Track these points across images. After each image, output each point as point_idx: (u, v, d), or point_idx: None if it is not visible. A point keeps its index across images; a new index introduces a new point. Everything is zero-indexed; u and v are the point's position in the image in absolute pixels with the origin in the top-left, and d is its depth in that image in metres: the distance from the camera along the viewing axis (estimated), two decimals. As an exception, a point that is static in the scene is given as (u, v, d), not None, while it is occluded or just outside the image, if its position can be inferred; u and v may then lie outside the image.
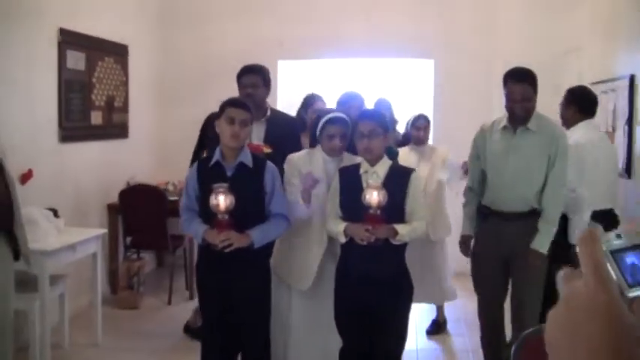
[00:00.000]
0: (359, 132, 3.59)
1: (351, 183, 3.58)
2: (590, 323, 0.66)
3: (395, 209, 3.48)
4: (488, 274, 4.19)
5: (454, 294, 5.62)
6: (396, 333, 3.64)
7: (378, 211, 3.41)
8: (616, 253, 0.74)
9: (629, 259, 0.74)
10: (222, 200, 3.40)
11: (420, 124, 5.47)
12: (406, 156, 5.25)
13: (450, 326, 5.77)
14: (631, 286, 0.72)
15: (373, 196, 3.39)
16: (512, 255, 4.05)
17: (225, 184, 3.43)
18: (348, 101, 4.80)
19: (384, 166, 3.59)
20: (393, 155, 4.10)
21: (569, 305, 0.69)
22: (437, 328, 5.68)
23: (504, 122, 4.09)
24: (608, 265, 0.71)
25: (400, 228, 3.45)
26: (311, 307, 3.95)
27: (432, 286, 5.37)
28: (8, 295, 3.61)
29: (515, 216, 4.04)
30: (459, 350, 5.38)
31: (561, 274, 0.72)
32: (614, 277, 0.71)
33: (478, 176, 4.28)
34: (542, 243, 3.95)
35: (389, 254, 3.52)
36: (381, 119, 3.66)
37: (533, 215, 4.01)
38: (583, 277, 0.69)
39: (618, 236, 0.75)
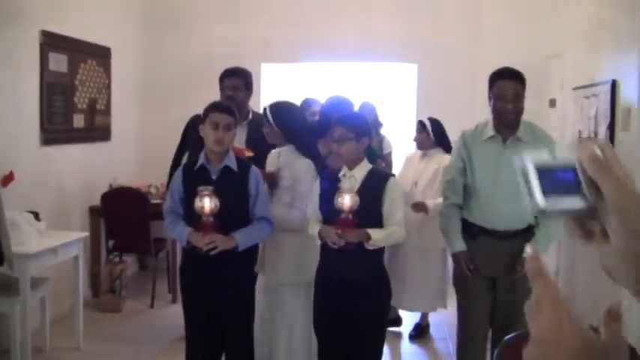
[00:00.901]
0: (331, 137, 3.63)
1: (330, 186, 3.57)
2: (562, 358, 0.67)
3: (371, 214, 3.48)
4: (476, 298, 3.90)
5: (444, 304, 5.63)
6: (373, 336, 3.63)
7: (350, 215, 3.42)
8: (544, 171, 0.77)
9: (559, 175, 0.77)
10: (207, 203, 3.42)
11: (416, 129, 5.55)
12: (414, 160, 5.37)
13: (432, 330, 5.79)
14: (547, 194, 0.76)
15: (345, 201, 3.40)
16: (502, 273, 3.79)
17: (210, 187, 3.44)
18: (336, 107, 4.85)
19: (362, 170, 3.59)
20: (373, 159, 4.10)
21: (538, 343, 0.70)
22: (420, 332, 5.69)
23: (491, 131, 3.81)
24: (530, 176, 0.76)
25: (374, 233, 3.44)
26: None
27: (433, 295, 5.39)
28: None
29: (510, 234, 3.77)
30: (444, 355, 5.39)
31: (527, 306, 0.73)
32: (533, 185, 0.75)
33: (461, 190, 3.95)
34: (537, 246, 3.69)
35: (364, 257, 3.50)
36: (352, 124, 3.59)
37: (529, 231, 3.78)
38: (546, 314, 0.70)
39: (553, 157, 0.78)
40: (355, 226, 3.44)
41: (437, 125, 5.59)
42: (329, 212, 3.52)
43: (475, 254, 3.87)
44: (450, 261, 5.46)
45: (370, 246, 3.45)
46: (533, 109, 6.78)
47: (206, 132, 3.58)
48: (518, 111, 3.71)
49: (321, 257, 3.67)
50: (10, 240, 3.64)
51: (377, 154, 4.45)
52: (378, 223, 3.50)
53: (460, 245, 3.93)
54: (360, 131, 3.56)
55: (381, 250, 3.60)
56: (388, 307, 3.77)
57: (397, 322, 5.78)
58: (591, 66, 5.34)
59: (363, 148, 3.59)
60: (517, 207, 3.57)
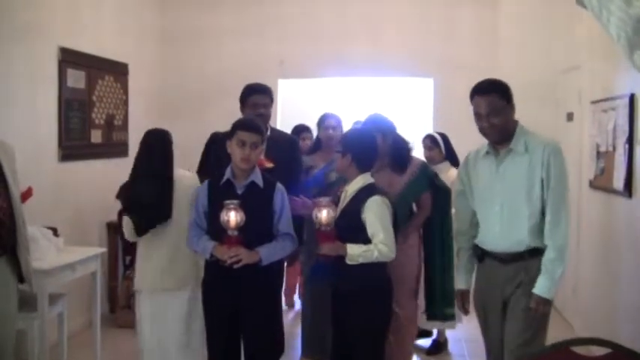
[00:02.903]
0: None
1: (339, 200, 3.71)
2: None
3: (355, 230, 3.53)
4: (488, 325, 3.61)
5: (460, 317, 5.61)
6: (362, 347, 3.61)
7: (328, 228, 3.50)
8: None
9: None
10: (232, 216, 3.45)
11: (425, 144, 5.54)
12: None
13: (451, 346, 5.74)
14: None
15: (323, 214, 3.49)
16: (509, 299, 3.47)
17: (236, 201, 3.48)
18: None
19: (355, 185, 3.65)
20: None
21: None
22: (438, 348, 5.65)
23: (486, 148, 3.57)
24: None
25: (350, 248, 3.48)
26: None
27: None
28: (11, 319, 3.59)
29: (511, 258, 3.43)
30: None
31: None
32: None
33: (467, 216, 3.69)
34: (544, 286, 3.29)
35: (354, 267, 3.52)
36: (342, 139, 3.80)
37: (533, 256, 3.38)
38: None
39: None
40: (334, 239, 3.51)
41: (446, 140, 5.63)
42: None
43: (482, 278, 3.64)
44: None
45: (349, 261, 3.49)
46: (550, 122, 6.78)
47: (233, 149, 3.61)
48: (495, 126, 3.39)
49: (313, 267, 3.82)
50: (29, 258, 3.65)
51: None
52: (364, 240, 3.53)
53: (460, 283, 3.75)
54: (344, 147, 3.69)
55: (375, 263, 3.56)
56: (381, 319, 3.68)
57: (428, 333, 5.77)
58: (609, 79, 5.31)
59: (347, 163, 3.66)
60: (509, 229, 3.42)
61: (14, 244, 3.50)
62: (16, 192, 3.52)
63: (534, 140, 3.42)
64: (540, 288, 3.30)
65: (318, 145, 5.42)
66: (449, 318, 4.90)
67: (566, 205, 3.35)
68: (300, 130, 6.42)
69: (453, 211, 4.34)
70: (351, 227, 3.54)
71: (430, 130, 7.12)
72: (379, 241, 3.49)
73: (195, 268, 4.15)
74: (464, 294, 3.73)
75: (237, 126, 3.64)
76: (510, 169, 3.43)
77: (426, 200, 4.39)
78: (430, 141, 5.63)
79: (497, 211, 3.45)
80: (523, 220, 3.38)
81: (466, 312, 3.76)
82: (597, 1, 1.70)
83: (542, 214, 3.37)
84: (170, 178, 4.17)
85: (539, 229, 3.37)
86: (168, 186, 4.14)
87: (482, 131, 3.48)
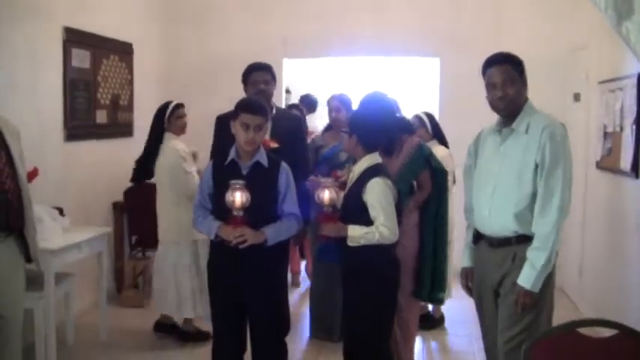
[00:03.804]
0: None
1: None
2: None
3: (357, 211, 3.54)
4: (483, 308, 3.54)
5: (450, 293, 5.64)
6: (363, 322, 3.64)
7: (330, 209, 3.54)
8: None
9: None
10: (238, 197, 3.44)
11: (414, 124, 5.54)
12: None
13: (451, 326, 5.78)
14: None
15: (325, 195, 3.53)
16: (497, 290, 3.36)
17: (241, 181, 3.46)
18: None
19: (361, 165, 3.66)
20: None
21: None
22: (430, 322, 5.68)
23: (494, 125, 3.45)
24: None
25: (351, 230, 3.51)
26: None
27: None
28: (19, 298, 3.62)
29: (499, 242, 3.31)
30: (462, 352, 5.35)
31: None
32: None
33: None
34: (527, 277, 3.15)
35: (354, 250, 3.55)
36: (350, 120, 3.82)
37: (521, 243, 3.24)
38: None
39: None
40: (335, 221, 3.54)
41: (432, 118, 5.65)
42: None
43: (477, 260, 3.53)
44: (453, 253, 5.49)
45: (350, 243, 3.51)
46: (557, 103, 6.74)
47: (237, 131, 3.58)
48: (509, 97, 3.26)
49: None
50: (36, 237, 3.66)
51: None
52: (367, 221, 3.52)
53: (464, 260, 3.67)
54: (350, 128, 3.71)
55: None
56: (385, 301, 3.67)
57: (441, 320, 5.81)
58: (617, 59, 5.28)
59: (353, 143, 3.67)
60: (497, 212, 3.30)
61: (22, 224, 3.52)
62: (22, 172, 3.53)
63: (536, 121, 3.26)
64: (522, 278, 3.17)
65: (329, 125, 5.44)
66: (436, 301, 4.92)
67: (560, 193, 3.13)
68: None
69: (454, 190, 4.30)
70: (354, 208, 3.56)
71: (436, 109, 7.12)
72: (380, 223, 3.49)
73: (177, 228, 5.05)
74: (468, 272, 3.63)
75: (241, 108, 3.60)
76: (509, 150, 3.30)
77: (425, 179, 4.38)
78: (418, 120, 5.61)
79: (489, 193, 3.34)
80: (510, 205, 3.24)
81: (469, 291, 3.66)
82: None
83: (534, 200, 3.19)
84: (153, 143, 5.21)
85: (528, 215, 3.21)
86: (152, 150, 5.20)
87: (494, 103, 3.34)
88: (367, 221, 3.51)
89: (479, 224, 3.45)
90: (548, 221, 3.13)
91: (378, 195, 3.52)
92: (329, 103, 5.38)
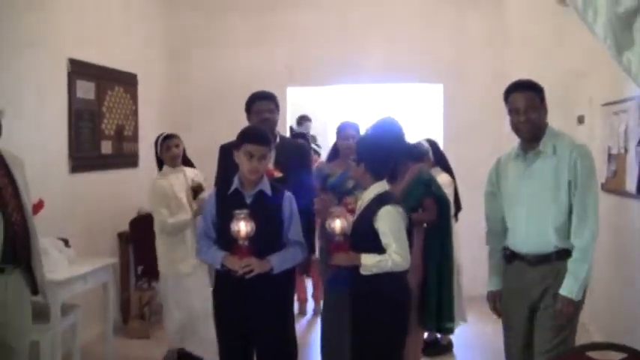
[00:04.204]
0: None
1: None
2: None
3: (367, 239, 3.51)
4: (513, 326, 3.62)
5: (464, 317, 5.62)
6: (374, 345, 3.60)
7: (342, 238, 3.50)
8: None
9: None
10: (243, 226, 3.42)
11: None
12: None
13: (460, 352, 5.72)
14: None
15: (336, 224, 3.49)
16: (537, 305, 3.48)
17: (245, 211, 3.45)
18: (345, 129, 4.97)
19: (370, 193, 3.62)
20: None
21: None
22: (436, 348, 5.63)
23: (516, 149, 3.62)
24: None
25: (364, 259, 3.47)
26: None
27: None
28: (26, 330, 3.61)
29: (539, 259, 3.45)
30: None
31: None
32: None
33: (498, 216, 3.69)
34: (570, 287, 3.31)
35: (366, 277, 3.51)
36: (358, 147, 3.77)
37: (561, 258, 3.39)
38: None
39: None
40: (347, 250, 3.50)
41: (435, 146, 5.63)
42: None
43: (510, 279, 3.63)
44: (462, 275, 5.49)
45: (363, 271, 3.47)
46: (560, 126, 6.72)
47: (241, 160, 3.57)
48: (532, 122, 3.46)
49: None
50: (43, 269, 3.66)
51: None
52: (378, 248, 3.49)
53: (491, 284, 3.78)
54: (357, 155, 3.69)
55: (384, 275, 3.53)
56: (397, 329, 3.64)
57: (449, 347, 5.76)
58: (620, 82, 5.29)
59: (361, 172, 3.65)
60: (536, 230, 3.45)
61: (28, 256, 3.52)
62: (28, 204, 3.54)
63: (563, 142, 3.46)
64: (565, 288, 3.32)
65: (335, 153, 5.34)
66: (444, 331, 4.90)
67: (594, 207, 3.37)
68: (296, 137, 6.46)
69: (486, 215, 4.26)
70: (364, 236, 3.52)
71: (440, 136, 7.12)
72: (393, 250, 3.45)
73: (161, 261, 5.22)
74: (495, 295, 3.75)
75: (245, 138, 3.59)
76: (538, 171, 3.47)
77: (430, 204, 4.35)
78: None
79: (523, 213, 3.50)
80: (549, 221, 3.41)
81: (498, 314, 3.77)
82: (582, 1, 1.59)
83: (570, 215, 3.39)
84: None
85: (566, 230, 3.39)
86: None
87: (517, 127, 3.52)
88: (378, 248, 3.48)
89: (514, 245, 3.57)
90: (587, 234, 3.35)
91: (389, 222, 3.49)
92: (341, 131, 5.26)
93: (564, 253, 3.39)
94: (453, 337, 5.74)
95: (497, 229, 3.71)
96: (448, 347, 5.72)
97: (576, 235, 3.36)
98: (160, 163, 5.33)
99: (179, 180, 5.24)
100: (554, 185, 3.41)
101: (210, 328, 4.72)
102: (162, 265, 5.24)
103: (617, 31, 1.87)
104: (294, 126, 8.99)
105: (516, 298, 3.56)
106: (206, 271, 5.10)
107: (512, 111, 3.53)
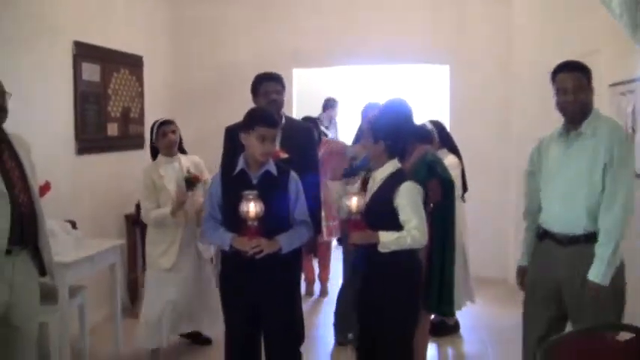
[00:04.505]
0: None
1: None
2: None
3: (386, 217, 3.50)
4: (536, 305, 3.68)
5: (472, 298, 5.65)
6: (394, 329, 3.61)
7: (358, 217, 3.48)
8: None
9: None
10: (252, 207, 3.43)
11: None
12: None
13: (466, 333, 5.75)
14: None
15: (352, 202, 3.46)
16: (565, 289, 3.51)
17: (254, 191, 3.45)
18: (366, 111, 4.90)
19: (384, 171, 3.62)
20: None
21: None
22: (442, 329, 5.64)
23: (559, 130, 3.65)
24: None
25: (383, 236, 3.45)
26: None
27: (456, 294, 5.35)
28: (34, 313, 3.64)
29: (569, 240, 3.49)
30: (478, 357, 5.32)
31: None
32: None
33: (537, 196, 3.75)
34: (596, 271, 3.32)
35: (380, 256, 3.50)
36: (374, 125, 3.68)
37: (589, 241, 3.41)
38: None
39: None
40: (364, 228, 3.48)
41: (440, 127, 5.59)
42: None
43: (539, 257, 3.69)
44: (469, 255, 5.50)
45: (381, 249, 3.46)
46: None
47: (252, 143, 3.56)
48: (579, 102, 3.50)
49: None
50: (51, 250, 3.68)
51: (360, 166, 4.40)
52: (395, 225, 3.49)
53: (522, 259, 3.88)
54: (377, 134, 3.62)
55: (402, 254, 3.54)
56: (412, 301, 3.68)
57: (456, 328, 5.77)
58: (628, 62, 5.26)
59: (380, 150, 3.62)
60: (568, 210, 3.49)
61: (36, 238, 3.54)
62: (35, 186, 3.56)
63: (603, 125, 3.48)
64: (591, 273, 3.34)
65: (360, 136, 5.33)
66: (444, 314, 4.92)
67: (624, 191, 3.36)
68: (303, 119, 6.45)
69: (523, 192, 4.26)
70: (382, 214, 3.51)
71: (446, 117, 7.10)
72: (412, 227, 3.45)
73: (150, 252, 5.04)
74: (524, 270, 3.83)
75: (257, 120, 3.57)
76: (577, 152, 3.50)
77: (434, 185, 4.32)
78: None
79: (559, 192, 3.55)
80: (581, 202, 3.44)
81: (524, 288, 3.83)
82: None
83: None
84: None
85: (597, 212, 3.40)
86: None
87: (563, 107, 3.56)
88: (395, 226, 3.48)
89: (547, 223, 3.63)
90: (612, 217, 3.34)
91: (410, 198, 3.50)
92: (366, 112, 5.22)
93: (593, 237, 3.40)
94: (459, 318, 5.77)
95: (534, 208, 3.78)
96: (455, 328, 5.74)
97: (603, 217, 3.37)
98: (155, 152, 5.11)
99: (173, 170, 4.98)
100: (590, 167, 3.42)
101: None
102: (147, 256, 5.13)
103: (633, 8, 1.85)
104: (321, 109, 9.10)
105: (542, 275, 3.62)
106: (190, 267, 4.98)
107: (560, 91, 3.56)
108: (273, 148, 3.64)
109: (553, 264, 3.55)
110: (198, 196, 4.96)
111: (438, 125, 5.62)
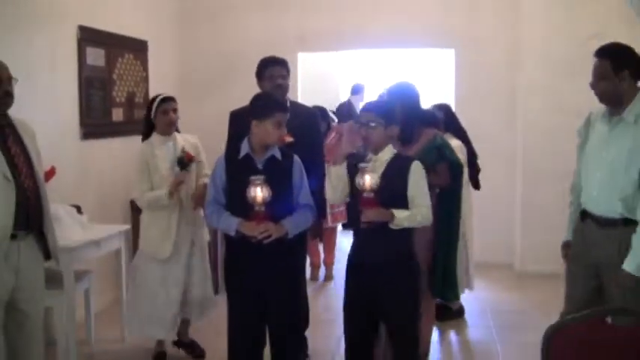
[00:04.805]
0: (360, 122, 3.68)
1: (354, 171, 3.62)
2: None
3: (396, 196, 3.52)
4: (573, 279, 3.69)
5: (470, 285, 5.66)
6: (406, 318, 3.62)
7: (372, 194, 3.45)
8: None
9: None
10: (260, 192, 3.43)
11: None
12: None
13: (471, 318, 5.76)
14: None
15: (366, 180, 3.44)
16: (602, 269, 3.48)
17: (261, 176, 3.45)
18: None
19: (387, 154, 3.62)
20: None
21: None
22: (445, 314, 5.64)
23: (605, 109, 3.55)
24: None
25: (397, 213, 3.47)
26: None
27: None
28: (40, 297, 3.66)
29: (607, 222, 3.43)
30: (483, 342, 5.33)
31: None
32: None
33: (580, 170, 3.69)
34: (629, 261, 3.26)
35: (389, 240, 3.53)
36: (380, 110, 3.64)
37: (627, 225, 3.33)
38: None
39: None
40: (378, 205, 3.47)
41: (447, 110, 5.57)
42: (354, 197, 3.60)
43: (579, 235, 3.66)
44: (470, 243, 5.50)
45: (394, 226, 3.47)
46: (573, 93, 6.68)
47: (267, 129, 3.56)
48: (601, 91, 3.44)
49: (353, 241, 3.74)
50: (55, 235, 3.70)
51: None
52: (403, 205, 3.53)
53: (567, 234, 3.81)
54: (389, 119, 3.61)
55: (408, 233, 3.60)
56: (417, 290, 3.70)
57: (460, 312, 5.78)
58: (636, 47, 5.22)
59: (390, 135, 3.63)
60: (606, 195, 3.42)
61: (41, 222, 3.55)
62: (40, 171, 3.57)
63: None
64: (626, 262, 3.27)
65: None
66: (448, 298, 4.92)
67: None
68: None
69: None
70: (392, 194, 3.51)
71: (452, 101, 7.07)
72: (421, 204, 3.52)
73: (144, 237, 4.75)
74: (568, 245, 3.79)
75: (274, 108, 3.59)
76: (616, 138, 3.41)
77: (442, 170, 4.33)
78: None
79: (597, 177, 3.47)
80: (617, 191, 3.36)
81: (567, 261, 3.80)
82: None
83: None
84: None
85: (631, 203, 3.32)
86: None
87: (594, 93, 3.52)
88: (402, 207, 3.51)
89: (587, 204, 3.57)
90: None
91: (420, 176, 3.56)
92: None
93: (631, 222, 3.31)
94: (464, 303, 5.77)
95: (579, 184, 3.70)
96: (459, 312, 5.74)
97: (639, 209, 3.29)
98: (149, 129, 4.74)
99: (168, 150, 4.67)
100: (628, 155, 3.32)
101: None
102: (140, 241, 4.78)
103: None
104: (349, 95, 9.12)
105: (582, 253, 3.60)
106: (184, 259, 4.69)
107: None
108: (284, 132, 3.66)
109: (592, 244, 3.51)
110: (191, 178, 4.68)
111: (444, 109, 5.61)
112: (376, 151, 3.63)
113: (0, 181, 3.32)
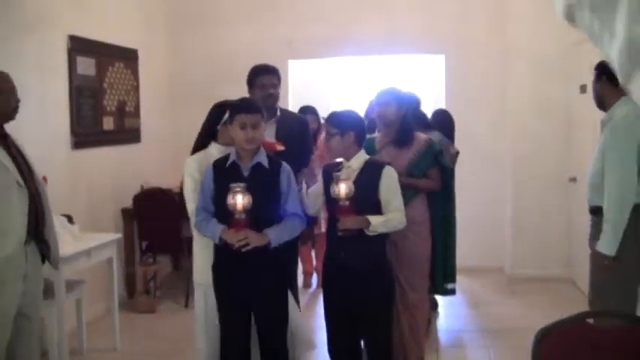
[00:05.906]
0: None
1: (329, 179, 3.69)
2: None
3: (369, 202, 3.62)
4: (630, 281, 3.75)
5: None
6: (380, 321, 3.75)
7: (347, 202, 3.53)
8: None
9: None
10: (239, 199, 3.41)
11: None
12: None
13: (460, 323, 5.76)
14: None
15: (341, 188, 3.52)
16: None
17: (242, 184, 3.43)
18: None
19: (358, 160, 3.72)
20: (369, 150, 4.06)
21: None
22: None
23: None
24: None
25: (373, 219, 3.56)
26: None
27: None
28: (39, 301, 3.74)
29: (590, 210, 3.87)
30: (469, 345, 5.35)
31: None
32: None
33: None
34: (601, 242, 3.62)
35: (365, 245, 3.63)
36: (335, 120, 3.78)
37: (594, 213, 3.82)
38: None
39: None
40: (354, 213, 3.55)
41: (444, 117, 5.62)
42: (332, 205, 3.67)
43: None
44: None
45: (370, 232, 3.57)
46: (563, 95, 6.73)
47: (236, 132, 3.56)
48: (594, 98, 3.95)
49: (327, 247, 3.87)
50: (57, 240, 3.74)
51: (370, 147, 4.43)
52: (377, 210, 3.63)
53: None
54: (342, 127, 3.71)
55: (383, 237, 3.71)
56: (392, 292, 3.85)
57: (433, 306, 5.77)
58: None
59: (350, 141, 3.71)
60: (589, 181, 3.81)
61: (42, 229, 3.59)
62: (40, 178, 3.64)
63: (613, 114, 3.74)
64: (598, 243, 3.64)
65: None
66: (449, 293, 4.98)
67: (611, 173, 3.62)
68: (305, 111, 6.44)
69: None
70: (365, 200, 3.59)
71: (442, 106, 7.10)
72: (396, 208, 3.63)
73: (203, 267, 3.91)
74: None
75: (235, 110, 3.59)
76: (601, 136, 3.81)
77: (435, 174, 4.43)
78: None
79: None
80: (589, 179, 3.82)
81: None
82: (598, 24, 1.36)
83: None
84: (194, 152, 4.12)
85: (597, 190, 3.72)
86: None
87: None
88: (377, 212, 3.62)
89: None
90: (606, 195, 3.63)
91: (393, 181, 3.68)
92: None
93: (597, 210, 3.74)
94: (454, 307, 5.80)
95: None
96: (433, 305, 5.74)
97: (606, 194, 3.65)
98: (206, 140, 4.07)
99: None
100: (600, 149, 3.73)
101: None
102: (196, 273, 4.03)
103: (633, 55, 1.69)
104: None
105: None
106: None
107: None
108: (258, 135, 3.57)
109: None
110: None
111: (446, 115, 5.70)
112: (348, 159, 3.74)
113: (14, 188, 3.35)
